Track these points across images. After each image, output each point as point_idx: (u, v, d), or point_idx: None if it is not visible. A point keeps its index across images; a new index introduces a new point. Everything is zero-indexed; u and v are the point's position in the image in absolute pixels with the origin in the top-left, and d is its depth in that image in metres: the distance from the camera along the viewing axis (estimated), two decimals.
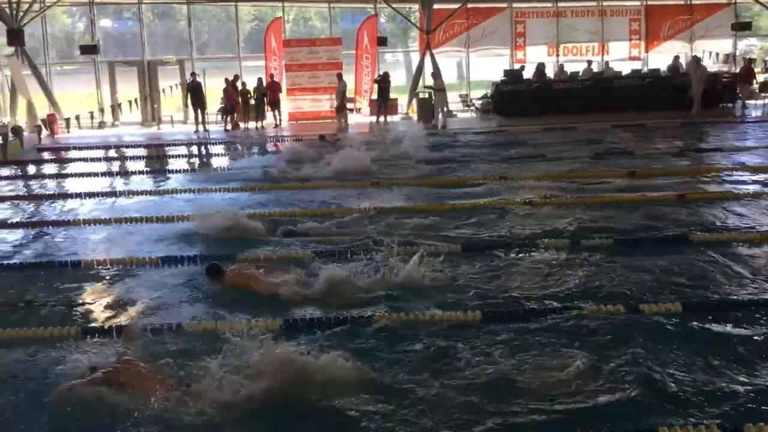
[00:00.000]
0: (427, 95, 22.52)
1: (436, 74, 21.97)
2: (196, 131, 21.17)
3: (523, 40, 25.95)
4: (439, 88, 21.18)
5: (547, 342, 5.13)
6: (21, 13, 21.73)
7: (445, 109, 21.09)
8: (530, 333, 5.29)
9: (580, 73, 22.87)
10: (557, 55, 25.88)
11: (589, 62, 24.33)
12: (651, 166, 12.57)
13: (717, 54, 26.41)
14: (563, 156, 13.98)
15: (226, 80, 22.06)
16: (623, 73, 22.58)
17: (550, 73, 23.63)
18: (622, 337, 5.13)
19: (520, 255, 7.29)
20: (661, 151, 14.38)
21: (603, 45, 26.22)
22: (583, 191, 10.55)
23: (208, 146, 18.36)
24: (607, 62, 24.70)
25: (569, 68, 23.72)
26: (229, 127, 21.77)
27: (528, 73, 23.23)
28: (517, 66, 24.34)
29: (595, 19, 26.16)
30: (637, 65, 25.35)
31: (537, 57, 25.27)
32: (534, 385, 4.48)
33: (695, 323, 5.40)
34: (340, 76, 21.71)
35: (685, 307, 5.64)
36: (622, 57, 26.14)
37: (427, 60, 23.79)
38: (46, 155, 17.32)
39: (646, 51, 26.30)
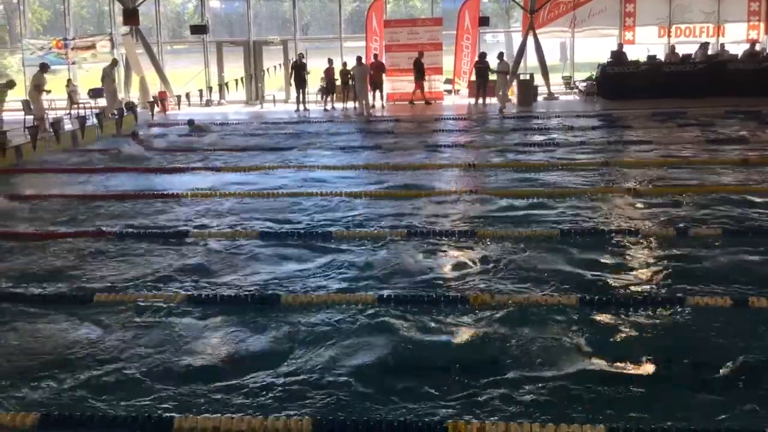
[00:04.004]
0: (528, 77, 22.10)
1: (501, 56, 21.58)
2: (297, 110, 21.63)
3: (632, 20, 24.93)
4: (502, 71, 20.84)
5: (647, 332, 4.99)
6: None
7: (501, 93, 20.73)
8: (628, 321, 5.15)
9: (693, 55, 21.77)
10: (668, 36, 24.71)
11: (707, 44, 23.07)
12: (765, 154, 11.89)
13: None
14: (670, 141, 13.46)
15: (329, 60, 22.40)
16: (739, 56, 21.35)
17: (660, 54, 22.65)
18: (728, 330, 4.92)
19: (622, 243, 7.06)
20: None
21: (718, 26, 24.83)
22: (691, 179, 10.10)
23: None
24: (722, 45, 23.43)
25: (681, 50, 22.62)
26: (328, 107, 22.11)
27: (633, 55, 22.39)
28: (626, 48, 23.43)
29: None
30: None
31: (647, 38, 24.36)
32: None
33: None
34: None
35: None
36: (739, 39, 24.69)
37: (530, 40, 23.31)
38: (157, 130, 18.15)
39: (766, 33, 24.68)
